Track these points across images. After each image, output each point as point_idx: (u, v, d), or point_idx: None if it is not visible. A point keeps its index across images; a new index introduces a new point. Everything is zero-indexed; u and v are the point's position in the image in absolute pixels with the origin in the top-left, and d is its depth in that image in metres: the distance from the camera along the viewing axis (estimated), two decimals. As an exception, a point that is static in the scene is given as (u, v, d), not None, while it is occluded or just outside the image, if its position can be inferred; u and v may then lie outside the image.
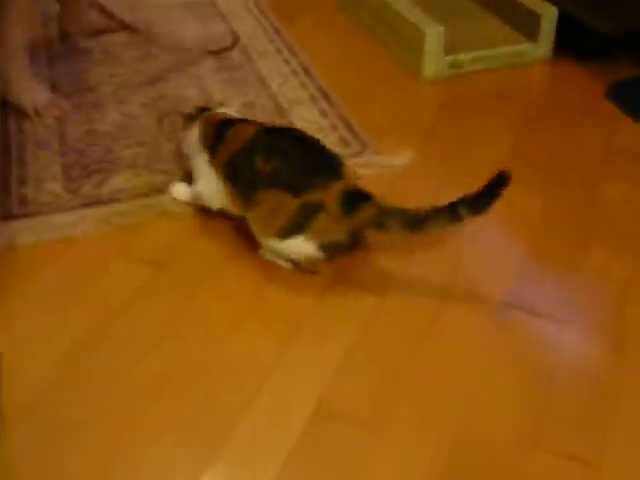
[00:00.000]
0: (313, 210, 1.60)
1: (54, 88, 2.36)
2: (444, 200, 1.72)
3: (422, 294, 1.69)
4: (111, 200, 1.91)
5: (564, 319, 1.62)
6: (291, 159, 1.64)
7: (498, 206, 1.55)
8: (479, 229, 1.83)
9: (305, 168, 1.63)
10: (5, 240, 1.80)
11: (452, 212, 1.55)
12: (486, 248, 1.80)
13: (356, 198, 1.61)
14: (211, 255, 1.77)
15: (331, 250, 1.64)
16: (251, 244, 1.76)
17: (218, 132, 1.78)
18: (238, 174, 1.70)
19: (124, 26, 2.73)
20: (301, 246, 1.64)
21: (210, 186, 1.77)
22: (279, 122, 2.20)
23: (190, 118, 1.90)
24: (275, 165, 1.63)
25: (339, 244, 1.64)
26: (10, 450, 1.34)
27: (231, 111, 1.92)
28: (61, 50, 2.60)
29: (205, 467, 1.32)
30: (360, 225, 1.62)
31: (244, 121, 1.82)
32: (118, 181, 1.97)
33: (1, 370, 1.47)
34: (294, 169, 1.63)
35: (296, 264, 1.71)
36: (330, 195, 1.60)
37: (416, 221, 1.58)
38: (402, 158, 2.08)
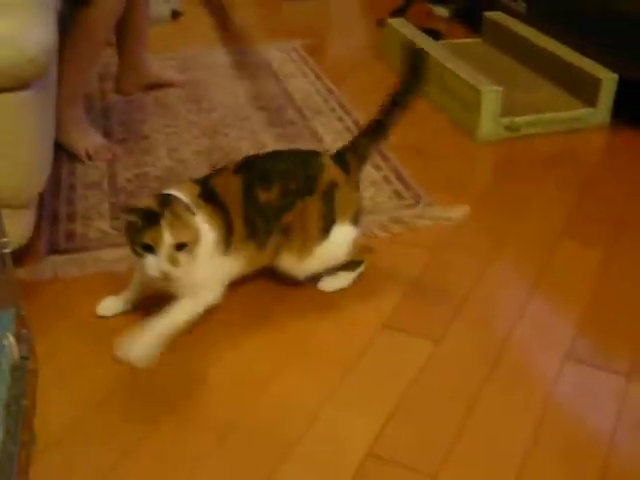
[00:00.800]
0: (330, 194, 1.63)
1: (108, 135, 2.37)
2: (500, 256, 1.71)
3: (483, 337, 1.62)
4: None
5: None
6: (284, 172, 1.62)
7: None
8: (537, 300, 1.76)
9: (298, 169, 1.63)
10: (51, 272, 1.78)
11: (396, 103, 1.73)
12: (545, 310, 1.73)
13: (342, 156, 1.71)
14: (259, 297, 1.73)
15: (359, 217, 1.69)
16: (290, 289, 1.71)
17: (220, 211, 1.56)
18: (255, 222, 1.59)
19: (178, 84, 2.75)
20: (341, 234, 1.66)
21: (217, 272, 1.59)
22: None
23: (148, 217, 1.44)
24: (277, 186, 1.60)
25: (358, 205, 1.70)
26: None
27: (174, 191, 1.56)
28: (116, 102, 2.63)
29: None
30: (358, 171, 1.72)
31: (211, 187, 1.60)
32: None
33: (35, 386, 1.42)
34: (294, 177, 1.62)
35: (351, 266, 1.73)
36: (330, 170, 1.65)
37: (379, 131, 1.74)
38: (457, 211, 2.02)
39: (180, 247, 1.42)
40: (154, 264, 1.42)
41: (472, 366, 1.54)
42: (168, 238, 1.41)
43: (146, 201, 1.47)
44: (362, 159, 1.73)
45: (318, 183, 1.63)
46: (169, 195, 1.48)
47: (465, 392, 1.48)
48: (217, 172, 1.65)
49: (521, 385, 1.50)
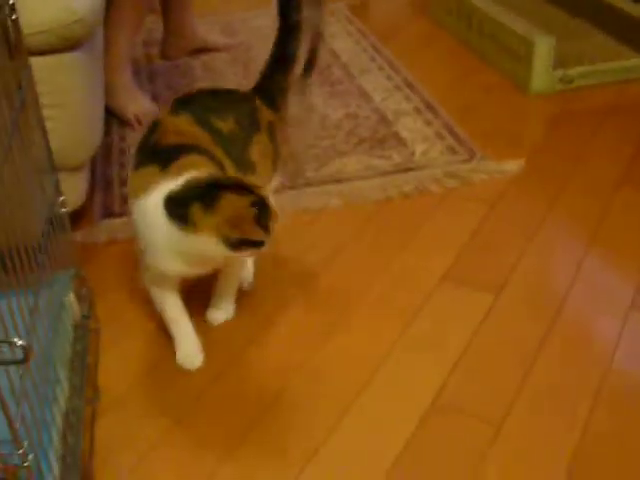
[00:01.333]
0: (272, 131, 1.50)
1: (155, 100, 2.36)
2: (557, 208, 1.68)
3: (543, 290, 1.59)
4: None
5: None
6: (231, 106, 1.46)
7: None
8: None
9: (241, 104, 1.49)
10: (106, 235, 1.78)
11: (289, 27, 1.55)
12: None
13: (268, 94, 1.55)
14: (324, 240, 1.72)
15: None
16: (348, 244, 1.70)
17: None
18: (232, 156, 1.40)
19: (225, 48, 2.74)
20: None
21: None
22: (383, 132, 2.15)
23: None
24: (231, 118, 1.42)
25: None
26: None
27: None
28: (162, 67, 2.62)
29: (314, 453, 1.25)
30: (285, 110, 1.58)
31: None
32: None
33: (97, 345, 1.43)
34: (241, 111, 1.46)
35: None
36: (263, 108, 1.51)
37: (287, 61, 1.57)
38: (512, 164, 1.98)
39: None
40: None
41: (533, 318, 1.52)
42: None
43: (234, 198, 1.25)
44: (284, 96, 1.57)
45: (260, 120, 1.48)
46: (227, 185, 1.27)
47: (527, 344, 1.45)
48: (152, 132, 1.40)
49: (582, 337, 1.47)
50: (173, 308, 1.44)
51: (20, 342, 0.79)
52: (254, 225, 1.23)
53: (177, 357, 1.45)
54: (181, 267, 1.31)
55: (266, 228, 1.23)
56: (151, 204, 1.27)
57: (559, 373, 1.39)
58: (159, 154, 1.32)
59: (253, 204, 1.22)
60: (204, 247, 1.25)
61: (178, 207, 1.24)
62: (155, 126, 1.40)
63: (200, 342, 1.45)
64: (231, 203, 1.22)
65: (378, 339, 1.48)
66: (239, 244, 1.23)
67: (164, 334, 1.49)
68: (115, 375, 1.42)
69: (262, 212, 1.23)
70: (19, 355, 0.79)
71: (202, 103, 1.45)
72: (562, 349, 1.44)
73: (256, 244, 1.24)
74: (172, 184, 1.26)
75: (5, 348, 0.84)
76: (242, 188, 1.24)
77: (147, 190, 1.28)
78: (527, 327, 1.50)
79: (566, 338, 1.47)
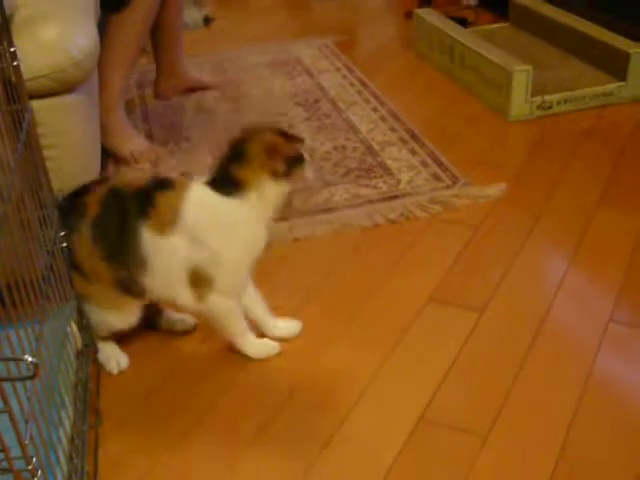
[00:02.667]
0: None
1: (149, 139, 2.45)
2: (539, 229, 1.79)
3: (526, 307, 1.66)
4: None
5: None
6: None
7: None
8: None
9: None
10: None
11: None
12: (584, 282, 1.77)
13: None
14: (314, 267, 1.79)
15: None
16: (337, 267, 1.77)
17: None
18: None
19: (215, 86, 2.83)
20: None
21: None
22: (370, 162, 2.23)
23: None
24: None
25: None
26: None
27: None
28: (156, 106, 2.71)
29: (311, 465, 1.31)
30: None
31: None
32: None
33: (99, 372, 1.49)
34: None
35: None
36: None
37: None
38: (495, 189, 2.06)
39: None
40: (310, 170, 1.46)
41: (517, 334, 1.58)
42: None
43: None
44: None
45: None
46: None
47: (511, 358, 1.52)
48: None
49: (565, 350, 1.54)
50: (240, 313, 1.53)
51: (30, 359, 0.85)
52: (286, 143, 1.40)
53: (253, 353, 1.55)
54: (255, 249, 1.45)
55: (296, 140, 1.41)
56: (203, 213, 1.41)
57: (542, 386, 1.46)
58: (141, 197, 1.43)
59: (272, 132, 1.40)
60: (268, 196, 1.41)
61: (224, 183, 1.40)
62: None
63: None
64: (257, 144, 1.39)
65: (368, 357, 1.54)
66: (288, 169, 1.39)
67: (164, 362, 1.56)
68: (117, 400, 1.48)
69: (283, 133, 1.40)
70: (28, 372, 0.86)
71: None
72: (544, 363, 1.51)
73: (299, 159, 1.41)
74: (196, 186, 1.42)
75: (13, 369, 0.91)
76: (254, 131, 1.42)
77: (180, 210, 1.40)
78: (510, 343, 1.56)
79: (548, 352, 1.53)
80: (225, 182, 1.41)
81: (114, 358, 1.56)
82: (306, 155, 1.43)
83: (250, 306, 1.57)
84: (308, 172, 1.45)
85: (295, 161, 1.41)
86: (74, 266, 1.45)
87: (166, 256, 1.42)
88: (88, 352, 1.47)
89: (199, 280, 1.44)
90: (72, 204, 1.47)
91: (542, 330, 1.59)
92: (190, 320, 1.65)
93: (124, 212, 1.42)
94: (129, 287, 1.46)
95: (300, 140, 1.43)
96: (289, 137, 1.42)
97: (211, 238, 1.41)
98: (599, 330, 1.58)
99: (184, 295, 1.47)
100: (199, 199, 1.42)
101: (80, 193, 1.48)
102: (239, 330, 1.54)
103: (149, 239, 1.41)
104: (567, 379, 1.47)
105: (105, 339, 1.55)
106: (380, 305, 1.69)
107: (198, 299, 1.47)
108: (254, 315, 1.58)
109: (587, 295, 1.68)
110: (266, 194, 1.41)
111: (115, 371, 1.55)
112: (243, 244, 1.45)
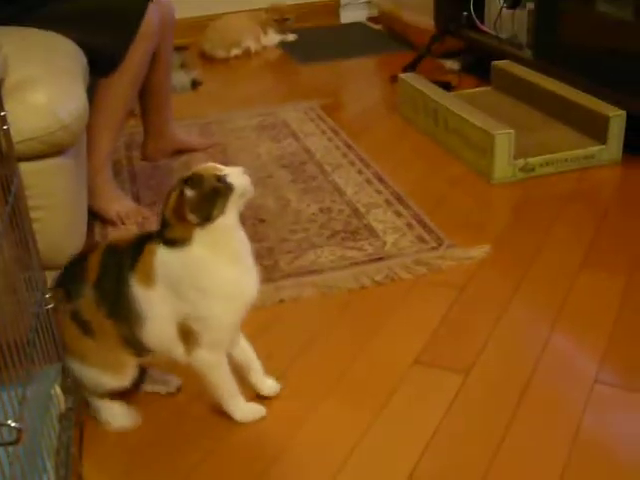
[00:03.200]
0: None
1: (136, 200, 2.46)
2: (523, 291, 1.84)
3: (512, 368, 1.66)
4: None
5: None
6: None
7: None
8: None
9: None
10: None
11: None
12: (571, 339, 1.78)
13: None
14: (301, 329, 1.79)
15: None
16: (322, 331, 1.77)
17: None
18: None
19: (203, 148, 2.86)
20: None
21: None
22: (356, 224, 2.25)
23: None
24: None
25: None
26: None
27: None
28: (143, 168, 2.73)
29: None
30: None
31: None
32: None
33: (82, 436, 1.48)
34: None
35: None
36: None
37: None
38: (478, 251, 2.08)
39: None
40: (240, 179, 1.43)
41: (503, 395, 1.58)
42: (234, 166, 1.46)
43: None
44: None
45: None
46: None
47: (498, 419, 1.52)
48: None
49: (551, 411, 1.54)
50: (228, 371, 1.52)
51: (13, 424, 0.85)
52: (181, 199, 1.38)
53: (240, 417, 1.54)
54: (237, 298, 1.46)
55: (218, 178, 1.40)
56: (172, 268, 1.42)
57: (529, 448, 1.45)
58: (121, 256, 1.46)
59: (180, 185, 1.39)
60: (208, 240, 1.40)
61: (171, 234, 1.41)
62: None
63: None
64: (167, 209, 1.41)
65: (355, 419, 1.54)
66: (206, 213, 1.38)
67: (148, 424, 1.54)
68: (99, 465, 1.46)
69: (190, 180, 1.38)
70: (11, 437, 0.85)
71: None
72: (531, 424, 1.51)
73: (220, 194, 1.39)
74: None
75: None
76: (167, 193, 1.42)
77: (149, 271, 1.42)
78: (497, 404, 1.56)
79: (535, 413, 1.53)
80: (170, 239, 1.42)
81: (120, 415, 1.56)
82: (233, 180, 1.42)
83: (244, 359, 1.58)
84: (237, 199, 1.43)
85: (214, 199, 1.39)
86: (82, 325, 1.46)
87: (157, 309, 1.43)
88: (71, 415, 1.46)
89: (187, 334, 1.45)
90: (73, 271, 1.50)
91: (528, 391, 1.59)
92: (174, 382, 1.65)
93: (120, 267, 1.44)
94: (133, 343, 1.47)
95: (220, 177, 1.41)
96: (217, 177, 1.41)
97: (188, 291, 1.42)
98: (585, 391, 1.58)
99: (177, 349, 1.47)
100: (165, 255, 1.42)
101: (80, 259, 1.52)
102: (227, 390, 1.53)
103: (140, 292, 1.43)
104: (554, 440, 1.46)
105: (103, 397, 1.55)
106: (366, 367, 1.69)
107: (187, 353, 1.47)
108: (247, 369, 1.59)
109: (572, 356, 1.69)
110: (205, 240, 1.40)
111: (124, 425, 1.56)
112: (219, 294, 1.44)
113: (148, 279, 1.42)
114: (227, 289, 1.44)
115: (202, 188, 1.38)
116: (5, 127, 1.27)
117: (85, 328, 1.46)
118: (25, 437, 1.08)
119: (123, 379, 1.52)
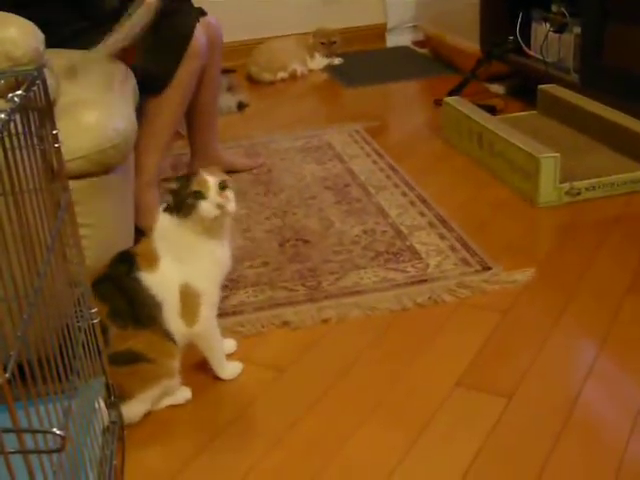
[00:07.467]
0: None
1: (182, 219, 2.49)
2: (567, 315, 1.81)
3: (555, 393, 1.64)
4: (234, 312, 1.97)
5: None
6: None
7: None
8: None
9: None
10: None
11: None
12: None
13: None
14: (342, 350, 1.79)
15: None
16: (362, 354, 1.77)
17: None
18: None
19: (247, 169, 2.89)
20: None
21: None
22: (399, 245, 2.25)
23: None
24: None
25: None
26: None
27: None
28: (189, 188, 2.76)
29: None
30: None
31: None
32: (242, 296, 2.04)
33: (124, 449, 1.49)
34: None
35: None
36: None
37: None
38: (523, 274, 2.07)
39: (223, 186, 1.62)
40: (208, 205, 1.58)
41: (546, 420, 1.56)
42: (212, 179, 1.61)
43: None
44: None
45: None
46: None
47: (540, 445, 1.50)
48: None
49: (595, 439, 1.51)
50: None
51: (58, 432, 0.86)
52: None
53: (227, 375, 1.74)
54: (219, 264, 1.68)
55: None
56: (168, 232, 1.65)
57: (570, 475, 1.43)
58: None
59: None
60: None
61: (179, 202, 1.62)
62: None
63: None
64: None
65: (395, 441, 1.53)
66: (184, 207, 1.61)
67: (188, 441, 1.56)
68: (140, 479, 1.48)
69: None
70: (55, 445, 0.86)
71: None
72: (574, 451, 1.48)
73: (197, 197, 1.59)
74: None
75: (41, 442, 0.91)
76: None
77: (150, 253, 1.63)
78: (539, 429, 1.54)
79: (578, 440, 1.51)
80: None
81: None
82: (209, 191, 1.59)
83: None
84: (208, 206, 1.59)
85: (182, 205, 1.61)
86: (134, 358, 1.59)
87: (167, 282, 1.60)
88: (114, 429, 1.48)
89: (190, 298, 1.62)
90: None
91: (572, 417, 1.57)
92: (185, 394, 1.71)
93: (121, 278, 1.61)
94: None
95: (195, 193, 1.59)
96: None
97: (184, 252, 1.63)
98: (630, 418, 1.55)
99: (178, 324, 1.63)
100: (164, 223, 1.65)
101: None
102: (220, 350, 1.74)
103: (149, 278, 1.60)
104: (598, 469, 1.44)
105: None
106: (407, 389, 1.69)
107: (191, 322, 1.64)
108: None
109: (617, 383, 1.66)
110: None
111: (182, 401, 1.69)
112: (208, 256, 1.64)
113: (151, 261, 1.61)
114: (212, 252, 1.65)
115: (179, 192, 1.62)
116: (57, 145, 1.30)
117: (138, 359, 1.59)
118: (69, 447, 1.09)
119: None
